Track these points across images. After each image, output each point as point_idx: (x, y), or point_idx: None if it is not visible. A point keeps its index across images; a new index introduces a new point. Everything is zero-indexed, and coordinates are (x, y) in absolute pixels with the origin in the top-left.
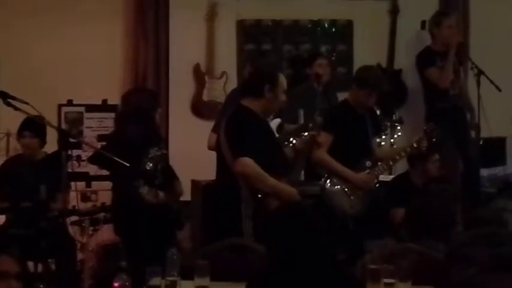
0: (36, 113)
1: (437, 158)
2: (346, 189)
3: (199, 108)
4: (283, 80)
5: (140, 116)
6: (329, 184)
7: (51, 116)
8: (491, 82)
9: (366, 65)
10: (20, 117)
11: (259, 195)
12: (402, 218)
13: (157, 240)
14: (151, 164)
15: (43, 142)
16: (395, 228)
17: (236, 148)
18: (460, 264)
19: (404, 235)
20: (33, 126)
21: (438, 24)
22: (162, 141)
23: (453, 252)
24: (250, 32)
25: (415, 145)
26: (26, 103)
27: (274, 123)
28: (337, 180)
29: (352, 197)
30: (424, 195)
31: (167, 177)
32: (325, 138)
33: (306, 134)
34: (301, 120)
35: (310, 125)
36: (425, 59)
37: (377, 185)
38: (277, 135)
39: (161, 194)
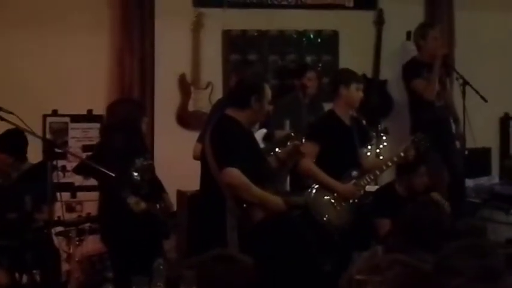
0: (21, 123)
1: (424, 171)
2: (332, 200)
3: (185, 118)
4: (268, 91)
5: (126, 126)
6: (315, 195)
7: (36, 126)
8: (477, 92)
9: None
10: (4, 127)
11: (245, 206)
12: (387, 228)
13: (144, 250)
14: (137, 174)
15: (19, 156)
16: (381, 239)
17: (222, 158)
18: (446, 276)
19: (392, 246)
20: (2, 143)
21: (424, 36)
22: (148, 152)
23: (439, 263)
24: (235, 43)
25: (402, 154)
26: (11, 113)
27: (260, 133)
28: (323, 191)
29: (338, 208)
30: (414, 206)
31: (154, 188)
32: (311, 148)
33: (289, 143)
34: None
35: (292, 134)
36: (411, 70)
37: (363, 196)
38: (262, 146)
39: (143, 204)
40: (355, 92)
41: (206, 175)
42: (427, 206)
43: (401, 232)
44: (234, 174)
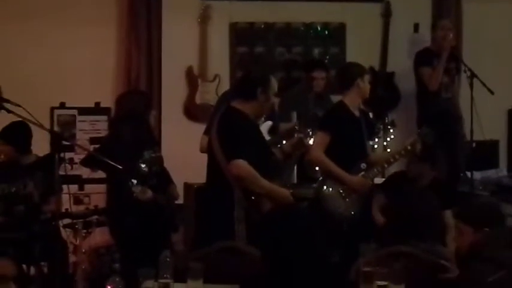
0: (28, 116)
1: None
2: (341, 192)
3: (192, 111)
4: (274, 83)
5: (134, 118)
6: (324, 187)
7: (43, 119)
8: (484, 85)
9: (341, 66)
10: (12, 120)
11: (253, 198)
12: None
13: (152, 242)
14: (145, 166)
15: (21, 148)
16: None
17: (230, 150)
18: (487, 265)
19: (386, 237)
20: (4, 134)
21: (434, 27)
22: (157, 144)
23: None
24: (242, 35)
25: (409, 148)
26: (19, 106)
27: (266, 125)
28: (332, 182)
29: (347, 200)
30: (405, 196)
31: (162, 180)
32: (322, 138)
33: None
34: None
35: (296, 127)
36: (422, 57)
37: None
38: (268, 138)
39: (149, 192)
40: (367, 84)
41: (213, 167)
42: (421, 197)
43: (397, 223)
44: (242, 166)
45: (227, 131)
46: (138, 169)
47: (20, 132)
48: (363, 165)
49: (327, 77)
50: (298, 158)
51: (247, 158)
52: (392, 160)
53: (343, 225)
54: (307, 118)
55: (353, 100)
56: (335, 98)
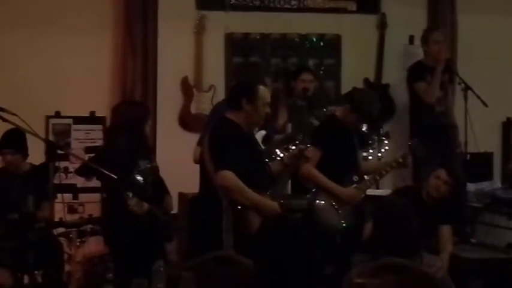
0: (23, 124)
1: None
2: (333, 204)
3: (187, 121)
4: (263, 93)
5: (130, 128)
6: (316, 198)
7: (38, 128)
8: (478, 97)
9: (363, 88)
10: (6, 129)
11: (239, 208)
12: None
13: (146, 252)
14: (140, 177)
15: (25, 155)
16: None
17: (218, 161)
18: None
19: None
20: (13, 141)
21: (426, 40)
22: (152, 154)
23: None
24: (238, 45)
25: (400, 160)
26: (14, 114)
27: (259, 135)
28: (324, 194)
29: (339, 211)
30: (386, 209)
31: (157, 190)
32: (313, 153)
33: (294, 147)
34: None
35: (299, 139)
36: (415, 72)
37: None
38: (262, 147)
39: (145, 205)
40: (358, 121)
41: (205, 177)
42: (398, 210)
43: (378, 236)
44: (228, 176)
45: (217, 141)
46: (133, 180)
47: (24, 140)
48: (355, 178)
49: (317, 80)
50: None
51: (235, 169)
52: (384, 172)
53: (336, 236)
54: (302, 128)
55: (345, 115)
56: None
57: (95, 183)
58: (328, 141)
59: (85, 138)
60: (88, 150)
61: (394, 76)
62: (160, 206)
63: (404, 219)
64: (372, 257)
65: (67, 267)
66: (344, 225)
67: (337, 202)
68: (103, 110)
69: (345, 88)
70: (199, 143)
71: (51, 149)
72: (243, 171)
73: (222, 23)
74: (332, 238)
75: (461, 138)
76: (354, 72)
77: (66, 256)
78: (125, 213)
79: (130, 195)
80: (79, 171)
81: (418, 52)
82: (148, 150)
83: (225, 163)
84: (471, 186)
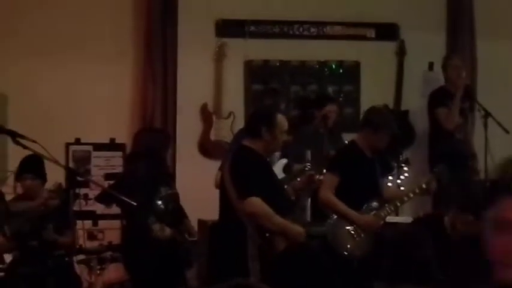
0: (44, 152)
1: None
2: (352, 232)
3: (207, 147)
4: (282, 121)
5: (151, 155)
6: (335, 225)
7: (58, 155)
8: (499, 124)
9: (375, 106)
10: (23, 155)
11: (267, 235)
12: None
13: (166, 278)
14: (161, 203)
15: (44, 181)
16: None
17: (242, 188)
18: None
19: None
20: (33, 167)
21: (445, 66)
22: (172, 180)
23: None
24: (257, 73)
25: (424, 186)
26: (35, 141)
27: (281, 163)
28: (343, 221)
29: (357, 239)
30: (397, 239)
31: (177, 216)
32: (330, 179)
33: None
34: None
35: (308, 165)
36: (437, 97)
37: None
38: (283, 176)
39: (168, 230)
40: (379, 140)
41: (225, 203)
42: (410, 239)
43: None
44: (256, 203)
45: (238, 168)
46: (155, 206)
47: (43, 165)
48: (375, 204)
49: (338, 112)
50: (311, 195)
51: (260, 195)
52: (406, 199)
53: (354, 263)
54: (321, 158)
55: (365, 142)
56: (348, 136)
57: (114, 209)
58: (345, 167)
59: (105, 165)
60: (108, 177)
61: (414, 103)
62: (182, 231)
63: (418, 248)
64: (390, 285)
65: None
66: (361, 252)
67: (355, 229)
68: (123, 137)
69: None
70: (222, 168)
71: (71, 176)
72: (267, 198)
73: (242, 51)
74: (350, 265)
75: (481, 166)
76: (373, 99)
77: (86, 283)
78: (147, 239)
79: (153, 220)
80: (99, 198)
81: (438, 78)
82: (169, 177)
83: (250, 190)
84: None
